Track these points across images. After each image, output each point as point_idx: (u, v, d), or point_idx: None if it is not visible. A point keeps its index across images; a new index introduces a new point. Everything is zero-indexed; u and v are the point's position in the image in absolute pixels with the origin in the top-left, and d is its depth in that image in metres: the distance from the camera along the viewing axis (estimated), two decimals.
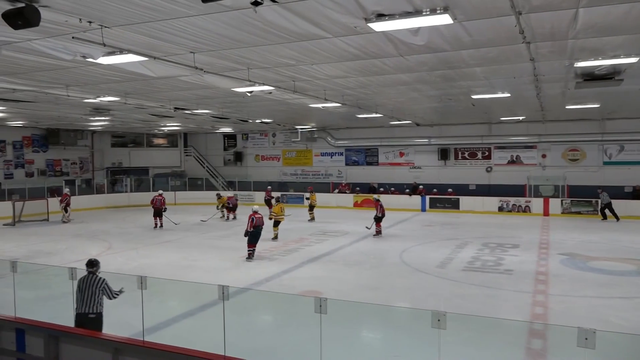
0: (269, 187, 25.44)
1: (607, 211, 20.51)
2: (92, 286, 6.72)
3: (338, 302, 6.62)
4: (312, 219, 21.05)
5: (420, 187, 25.33)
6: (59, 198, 21.74)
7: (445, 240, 15.89)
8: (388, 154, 27.76)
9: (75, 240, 16.25)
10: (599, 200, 20.96)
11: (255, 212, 13.28)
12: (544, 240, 15.93)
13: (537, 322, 8.11)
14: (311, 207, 21.37)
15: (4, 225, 19.97)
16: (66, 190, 22.37)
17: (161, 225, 19.12)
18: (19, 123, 24.00)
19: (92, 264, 6.88)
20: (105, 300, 6.86)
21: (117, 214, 23.60)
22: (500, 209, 23.33)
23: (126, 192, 28.09)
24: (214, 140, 32.38)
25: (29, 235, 17.46)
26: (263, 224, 13.43)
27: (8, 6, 5.79)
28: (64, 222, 20.89)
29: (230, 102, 16.40)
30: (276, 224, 16.25)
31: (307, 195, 22.28)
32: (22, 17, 5.66)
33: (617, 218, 20.19)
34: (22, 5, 5.72)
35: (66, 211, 21.18)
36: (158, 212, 19.13)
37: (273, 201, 18.60)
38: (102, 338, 6.11)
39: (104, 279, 6.81)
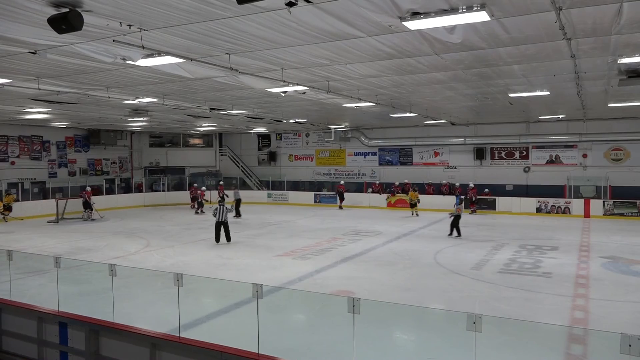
0: (195, 184, 26.68)
1: None
2: (223, 209, 15.26)
3: (371, 303, 6.60)
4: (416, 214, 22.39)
5: (457, 185, 24.92)
6: (84, 197, 21.80)
7: (480, 242, 15.59)
8: (422, 154, 27.46)
9: (114, 238, 16.73)
10: None
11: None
12: (584, 242, 15.43)
13: (577, 326, 7.86)
14: (412, 205, 22.57)
15: (48, 222, 20.76)
16: (87, 188, 22.91)
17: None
18: (62, 124, 24.89)
19: (223, 200, 18.10)
20: (141, 295, 7.03)
21: (155, 212, 24.19)
22: (539, 210, 22.74)
23: (163, 191, 28.74)
24: (248, 140, 32.77)
25: (71, 232, 18.08)
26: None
27: (53, 11, 6.03)
28: (85, 219, 21.37)
29: (264, 103, 16.56)
30: None
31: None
32: (66, 21, 5.87)
33: None
34: (67, 10, 5.94)
35: (91, 209, 21.61)
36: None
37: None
38: (140, 333, 6.26)
39: (227, 207, 15.77)
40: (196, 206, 24.30)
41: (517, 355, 6.44)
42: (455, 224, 16.43)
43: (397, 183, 26.62)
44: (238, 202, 22.49)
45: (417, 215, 22.32)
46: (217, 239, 15.21)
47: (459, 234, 16.31)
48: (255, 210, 24.92)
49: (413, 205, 22.60)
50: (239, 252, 14.07)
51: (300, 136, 31.00)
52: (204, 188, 25.43)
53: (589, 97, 15.17)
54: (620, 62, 9.67)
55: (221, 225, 15.12)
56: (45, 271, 9.28)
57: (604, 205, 21.68)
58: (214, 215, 15.23)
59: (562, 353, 6.71)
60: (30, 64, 9.78)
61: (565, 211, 22.27)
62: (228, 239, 15.18)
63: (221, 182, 25.92)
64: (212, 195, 26.59)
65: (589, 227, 18.76)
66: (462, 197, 24.09)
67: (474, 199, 23.29)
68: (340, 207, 25.85)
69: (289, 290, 9.47)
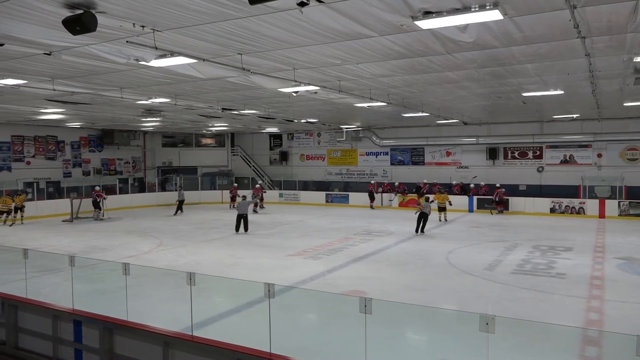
0: (235, 184, 27.82)
1: None
2: (245, 204, 17.67)
3: (383, 303, 6.58)
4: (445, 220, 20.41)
5: (472, 186, 24.76)
6: (96, 197, 21.83)
7: (493, 242, 15.48)
8: (434, 154, 27.32)
9: (128, 237, 16.88)
10: None
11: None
12: (599, 243, 15.24)
13: (592, 328, 7.77)
14: (440, 209, 20.44)
15: (62, 221, 21.01)
16: (97, 187, 23.02)
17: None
18: (76, 124, 25.18)
19: (245, 197, 19.37)
20: (154, 294, 7.07)
21: (167, 212, 24.33)
22: (552, 210, 22.51)
23: (176, 190, 28.86)
24: (260, 140, 32.86)
25: (85, 231, 18.28)
26: None
27: (67, 13, 6.10)
28: (100, 219, 21.49)
29: (276, 102, 16.59)
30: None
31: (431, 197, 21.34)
32: (80, 23, 5.95)
33: None
34: (81, 12, 6.01)
35: (99, 208, 21.71)
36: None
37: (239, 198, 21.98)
38: (153, 332, 6.31)
39: (249, 201, 19.13)
40: (234, 206, 24.30)
41: (530, 357, 6.38)
42: (418, 221, 16.97)
43: (396, 183, 26.63)
44: (181, 202, 23.70)
45: (446, 220, 20.38)
46: (237, 229, 17.38)
47: (416, 231, 17.01)
48: (267, 209, 24.98)
49: (442, 209, 20.44)
50: (250, 251, 14.12)
51: (312, 136, 31.02)
52: (258, 185, 25.90)
53: (603, 96, 14.98)
54: (636, 60, 9.55)
55: (241, 218, 17.35)
56: (60, 270, 9.37)
57: (619, 205, 21.40)
58: (237, 208, 17.99)
59: (576, 355, 6.64)
60: (45, 65, 9.92)
61: (580, 211, 22.02)
62: (246, 229, 17.36)
63: (257, 185, 26.23)
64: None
65: (603, 228, 18.53)
66: (475, 196, 23.96)
67: (497, 199, 23.00)
68: (372, 207, 25.76)
69: (301, 290, 9.48)
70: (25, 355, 7.52)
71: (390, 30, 7.45)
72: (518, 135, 24.62)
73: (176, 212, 23.47)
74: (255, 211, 23.69)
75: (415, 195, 25.43)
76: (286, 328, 7.06)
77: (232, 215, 22.24)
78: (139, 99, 14.85)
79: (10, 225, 19.79)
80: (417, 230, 17.00)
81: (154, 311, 8.30)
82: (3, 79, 11.19)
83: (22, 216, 20.33)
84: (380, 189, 27.17)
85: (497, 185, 23.41)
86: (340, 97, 14.16)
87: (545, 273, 11.37)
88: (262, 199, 24.89)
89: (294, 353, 5.55)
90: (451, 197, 21.17)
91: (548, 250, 14.08)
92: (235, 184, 27.02)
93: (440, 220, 20.19)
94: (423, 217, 17.00)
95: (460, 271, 11.57)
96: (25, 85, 11.95)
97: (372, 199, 25.94)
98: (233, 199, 25.76)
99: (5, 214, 19.98)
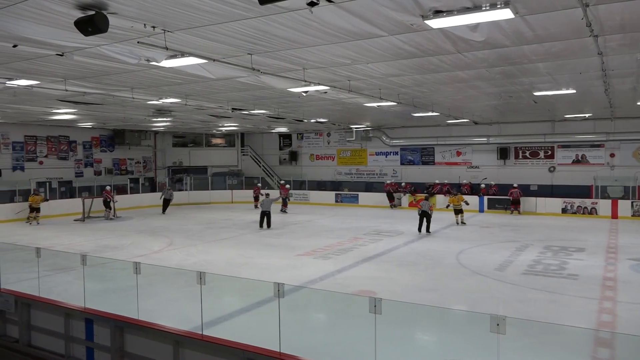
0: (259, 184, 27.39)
1: None
2: (268, 202, 18.58)
3: (392, 303, 6.57)
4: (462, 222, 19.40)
5: (482, 186, 24.59)
6: (106, 196, 22.03)
7: (504, 243, 15.37)
8: (444, 153, 27.19)
9: (138, 236, 16.99)
10: None
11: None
12: (612, 244, 15.08)
13: (604, 330, 7.69)
14: (457, 211, 19.48)
15: (74, 220, 21.20)
16: (107, 187, 23.20)
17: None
18: (88, 125, 25.40)
19: (268, 195, 20.04)
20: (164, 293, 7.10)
21: (178, 212, 24.48)
22: (564, 210, 22.30)
23: (186, 190, 29.07)
24: (269, 139, 32.93)
25: (96, 231, 18.43)
26: None
27: (79, 14, 6.15)
28: (111, 219, 21.65)
29: (286, 102, 16.61)
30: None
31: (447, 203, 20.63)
32: (92, 24, 6.00)
33: None
34: (92, 13, 6.06)
35: (110, 208, 21.88)
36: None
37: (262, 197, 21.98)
38: (164, 330, 6.35)
39: (272, 199, 19.31)
40: (258, 205, 24.40)
41: (541, 358, 6.33)
42: (420, 219, 17.00)
43: (403, 183, 26.57)
44: (166, 202, 24.04)
45: (465, 223, 19.25)
46: (261, 225, 18.38)
47: (419, 229, 17.07)
48: (277, 209, 25.01)
49: (458, 212, 19.35)
50: (260, 251, 14.16)
51: (322, 136, 31.02)
52: (288, 186, 25.64)
53: (616, 95, 14.82)
54: None
55: (265, 215, 18.35)
56: (72, 268, 9.47)
57: (632, 206, 21.13)
58: (261, 206, 19.11)
59: (588, 357, 6.58)
60: (57, 66, 10.01)
61: (592, 212, 21.79)
62: (269, 225, 18.28)
63: (286, 185, 25.63)
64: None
65: (616, 228, 18.33)
66: (485, 196, 23.79)
67: (512, 198, 22.82)
68: (393, 206, 25.66)
69: (310, 290, 9.48)
70: (37, 352, 7.61)
71: (401, 29, 7.43)
72: (529, 135, 24.40)
73: (164, 210, 23.80)
74: (284, 211, 23.76)
75: (425, 195, 25.34)
76: (296, 328, 7.06)
77: (244, 215, 22.48)
78: (149, 99, 14.95)
79: (29, 223, 20.20)
80: (419, 229, 16.99)
81: (165, 310, 8.35)
82: (16, 79, 11.33)
83: (37, 216, 20.56)
84: (388, 189, 27.09)
85: (514, 185, 23.17)
86: (350, 96, 14.15)
87: (557, 274, 11.27)
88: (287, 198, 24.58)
89: (303, 352, 5.56)
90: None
91: (560, 250, 13.95)
92: (259, 184, 27.17)
93: (457, 224, 19.25)
94: (425, 216, 17.00)
95: (470, 271, 11.51)
96: (38, 85, 12.08)
97: (391, 199, 25.81)
98: (256, 198, 25.84)
99: (34, 211, 20.44)
